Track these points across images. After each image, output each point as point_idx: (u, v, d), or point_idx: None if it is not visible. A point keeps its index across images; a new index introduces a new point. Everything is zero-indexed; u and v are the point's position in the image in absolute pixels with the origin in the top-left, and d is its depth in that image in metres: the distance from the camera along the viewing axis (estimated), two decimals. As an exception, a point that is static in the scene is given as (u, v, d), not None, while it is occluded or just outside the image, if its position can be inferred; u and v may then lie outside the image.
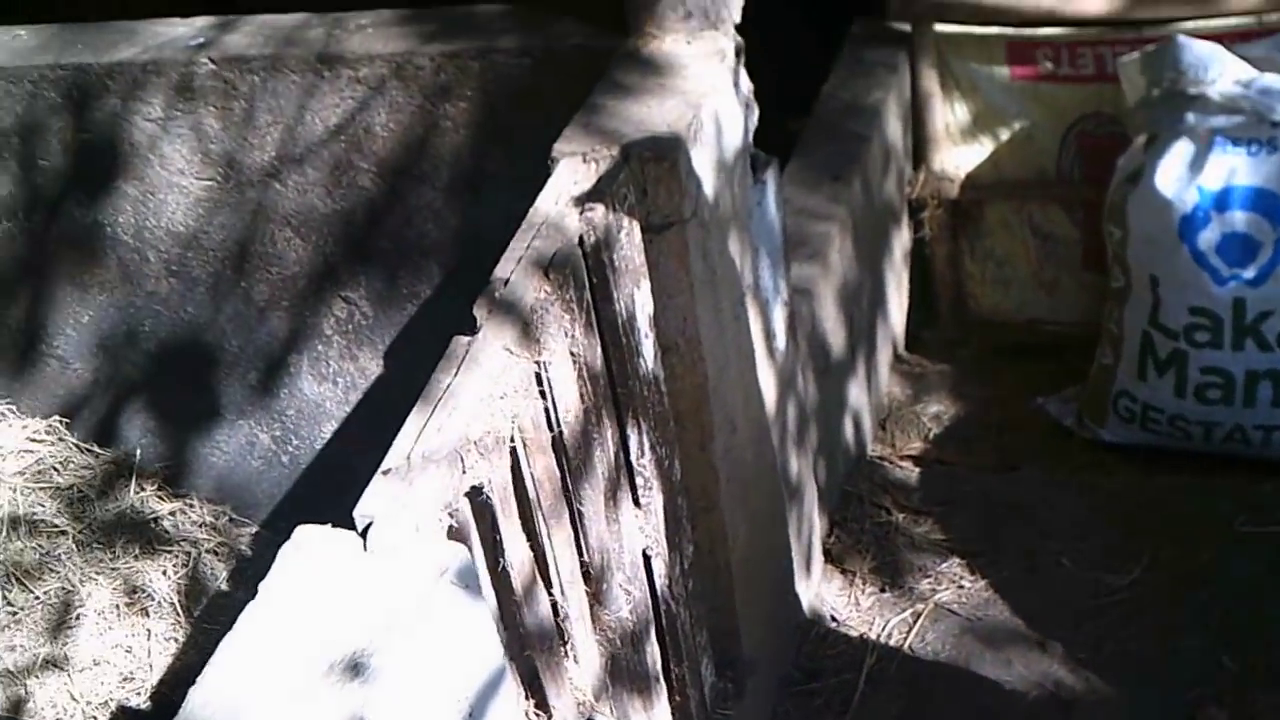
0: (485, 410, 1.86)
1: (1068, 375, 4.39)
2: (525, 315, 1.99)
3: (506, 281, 2.05)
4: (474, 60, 2.85)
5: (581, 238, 2.20)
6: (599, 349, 2.21)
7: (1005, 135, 4.50)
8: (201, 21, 3.18)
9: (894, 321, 4.51)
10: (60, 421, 3.79)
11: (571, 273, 2.09)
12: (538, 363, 2.01)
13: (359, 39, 2.96)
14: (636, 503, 2.45)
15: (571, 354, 2.11)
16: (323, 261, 3.22)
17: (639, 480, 2.43)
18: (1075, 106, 4.37)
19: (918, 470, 4.05)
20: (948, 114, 4.51)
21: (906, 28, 4.48)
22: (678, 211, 2.40)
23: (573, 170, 2.35)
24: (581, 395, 2.15)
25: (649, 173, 2.37)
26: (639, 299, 2.37)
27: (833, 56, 4.57)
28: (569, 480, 2.13)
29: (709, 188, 2.53)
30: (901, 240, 4.53)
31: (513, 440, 1.91)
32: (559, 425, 2.08)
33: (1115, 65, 4.16)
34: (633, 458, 2.39)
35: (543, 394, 2.02)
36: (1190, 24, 4.11)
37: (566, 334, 2.09)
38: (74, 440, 3.82)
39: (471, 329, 1.99)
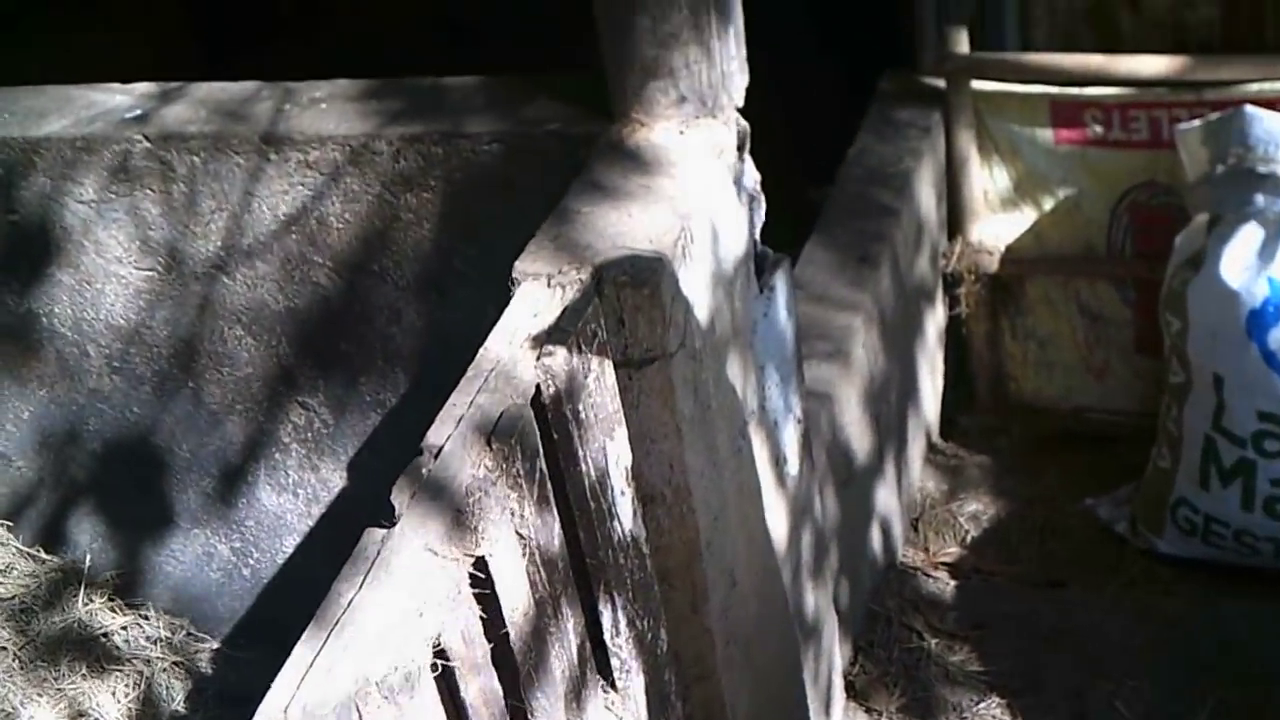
0: (396, 635, 1.47)
1: (1119, 471, 3.98)
2: (458, 500, 1.61)
3: (438, 453, 1.66)
4: (437, 145, 2.47)
5: (539, 387, 1.81)
6: (556, 527, 1.81)
7: (1049, 204, 4.10)
8: (142, 89, 2.82)
9: (927, 409, 4.10)
10: (2, 524, 3.43)
11: (520, 441, 1.70)
12: (475, 559, 1.61)
13: (309, 117, 2.58)
14: (613, 686, 2.05)
15: (520, 535, 1.72)
16: (277, 363, 2.85)
17: (614, 662, 2.04)
18: (1127, 175, 3.97)
19: (953, 583, 3.64)
20: (986, 180, 4.12)
21: (940, 84, 4.09)
22: (661, 345, 2.01)
23: (534, 298, 1.96)
24: (534, 585, 1.76)
25: (626, 300, 1.98)
26: (613, 451, 1.98)
27: (860, 113, 4.18)
28: (519, 689, 1.74)
29: (701, 310, 2.14)
30: (935, 319, 4.12)
31: (436, 668, 1.51)
32: (505, 625, 1.69)
33: (1172, 131, 3.77)
34: (606, 638, 2.00)
35: (480, 598, 1.63)
36: (1255, 86, 3.71)
37: (514, 515, 1.71)
38: (18, 544, 3.46)
39: (389, 519, 1.60)
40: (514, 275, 2.02)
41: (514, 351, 1.84)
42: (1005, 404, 4.38)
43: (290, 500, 3.04)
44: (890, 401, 3.62)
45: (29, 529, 3.41)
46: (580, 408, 1.87)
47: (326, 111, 2.60)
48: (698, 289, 2.13)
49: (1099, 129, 3.92)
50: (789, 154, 4.60)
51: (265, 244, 2.68)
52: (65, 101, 2.86)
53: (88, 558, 3.38)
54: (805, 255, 3.53)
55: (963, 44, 3.96)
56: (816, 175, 4.14)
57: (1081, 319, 4.21)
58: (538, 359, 1.82)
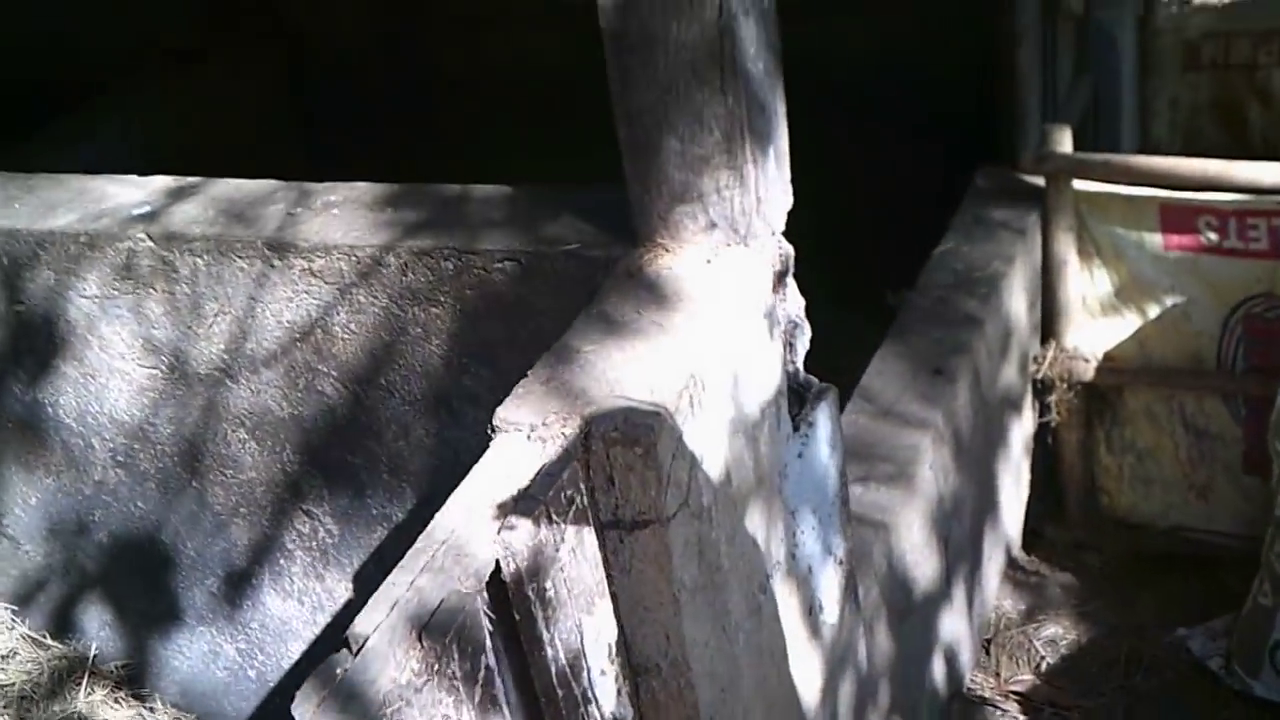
0: None
1: (1218, 600, 3.67)
2: (372, 714, 1.39)
3: (359, 649, 1.45)
4: (448, 261, 2.28)
5: (498, 564, 1.60)
6: (505, 731, 1.59)
7: (1155, 312, 3.78)
8: (156, 184, 2.69)
9: (1008, 521, 3.81)
10: (8, 608, 3.31)
11: (460, 637, 1.49)
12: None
13: (318, 224, 2.41)
14: None
15: (458, 745, 1.51)
16: (281, 470, 2.68)
17: None
18: (1242, 286, 3.66)
19: (1022, 718, 3.34)
20: (1085, 284, 3.82)
21: (1040, 182, 3.81)
22: (655, 509, 1.78)
23: (510, 453, 1.75)
24: (475, 800, 1.54)
25: (616, 459, 1.75)
26: (591, 628, 1.75)
27: (953, 208, 3.92)
28: None
29: (713, 464, 1.91)
30: (1022, 428, 3.83)
31: None
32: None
33: (1295, 242, 3.46)
34: (578, 838, 1.77)
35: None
36: (1388, 199, 3.39)
37: (448, 723, 1.49)
38: (24, 629, 3.34)
39: (295, 729, 1.39)
40: (494, 422, 1.82)
41: (473, 520, 1.63)
42: (1096, 518, 4.06)
43: (295, 607, 2.87)
44: (963, 521, 3.34)
45: (36, 614, 3.29)
46: (548, 585, 1.65)
47: (337, 217, 2.42)
48: (709, 440, 1.91)
49: (1213, 236, 3.61)
50: (874, 249, 4.39)
51: (269, 350, 2.52)
52: (79, 194, 2.74)
53: (94, 646, 3.25)
54: (874, 365, 3.28)
55: (1066, 143, 3.68)
56: (905, 272, 3.89)
57: (1186, 434, 3.89)
58: (498, 531, 1.61)
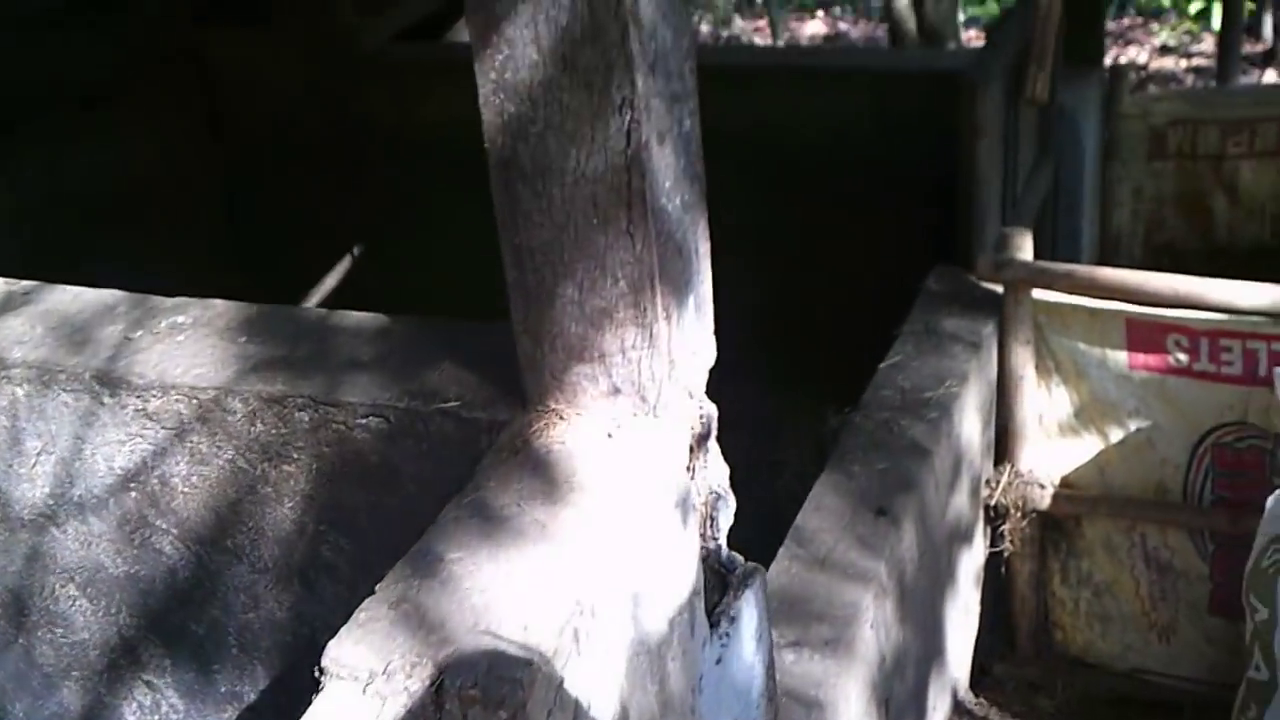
0: None
1: (1176, 756, 3.35)
2: None
3: None
4: (302, 412, 1.91)
5: None
6: None
7: (1117, 436, 3.47)
8: None
9: (955, 662, 3.46)
10: None
11: None
12: None
13: (158, 354, 2.03)
14: None
15: None
16: (117, 633, 2.29)
17: None
18: (1213, 412, 3.35)
19: None
20: (1043, 403, 3.50)
21: (997, 289, 3.48)
22: (524, 781, 1.41)
23: (338, 715, 1.37)
24: None
25: (474, 721, 1.38)
26: None
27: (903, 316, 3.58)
28: None
29: (605, 705, 1.54)
30: (973, 559, 3.49)
31: None
32: None
33: (1271, 368, 3.16)
34: None
35: None
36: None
37: None
38: None
39: None
40: (324, 663, 1.44)
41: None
42: (1049, 657, 3.74)
43: (139, 788, 2.47)
44: (906, 675, 2.99)
45: None
46: None
47: (181, 345, 2.04)
48: (600, 677, 1.54)
49: (1183, 357, 3.30)
50: (824, 334, 4.06)
51: (99, 498, 2.13)
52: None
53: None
54: (812, 501, 2.92)
55: (1026, 248, 3.37)
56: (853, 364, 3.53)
57: (1147, 569, 3.57)
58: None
